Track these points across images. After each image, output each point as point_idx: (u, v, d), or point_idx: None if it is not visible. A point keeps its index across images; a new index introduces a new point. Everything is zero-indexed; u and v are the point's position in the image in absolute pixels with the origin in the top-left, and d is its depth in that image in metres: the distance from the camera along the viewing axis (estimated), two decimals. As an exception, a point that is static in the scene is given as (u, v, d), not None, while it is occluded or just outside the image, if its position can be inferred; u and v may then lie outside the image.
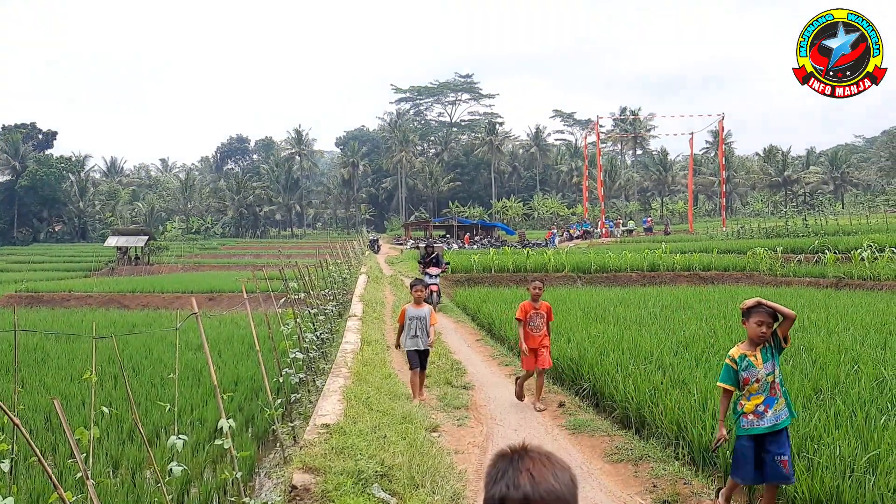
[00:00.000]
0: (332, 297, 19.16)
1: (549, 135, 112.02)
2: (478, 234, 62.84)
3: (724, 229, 56.62)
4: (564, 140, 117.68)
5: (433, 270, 19.43)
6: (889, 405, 6.42)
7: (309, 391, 10.89)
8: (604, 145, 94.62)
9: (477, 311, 17.93)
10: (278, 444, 8.34)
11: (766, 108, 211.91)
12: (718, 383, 5.06)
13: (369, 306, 17.68)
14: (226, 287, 31.07)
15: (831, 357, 8.66)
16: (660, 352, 9.59)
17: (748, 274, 26.02)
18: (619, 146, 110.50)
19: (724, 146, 78.54)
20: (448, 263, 22.38)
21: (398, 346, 9.60)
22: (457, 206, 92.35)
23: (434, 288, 18.74)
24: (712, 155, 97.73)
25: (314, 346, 12.71)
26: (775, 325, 5.00)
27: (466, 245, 55.46)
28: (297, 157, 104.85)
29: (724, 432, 5.04)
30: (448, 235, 62.56)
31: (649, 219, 72.55)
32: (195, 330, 19.53)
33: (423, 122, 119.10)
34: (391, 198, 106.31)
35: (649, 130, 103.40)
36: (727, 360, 5.01)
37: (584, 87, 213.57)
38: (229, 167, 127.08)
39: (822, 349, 9.22)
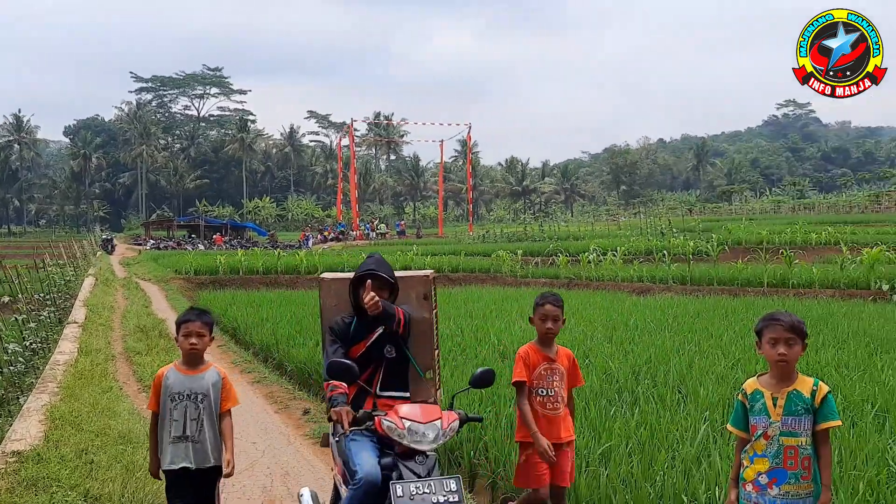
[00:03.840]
0: (50, 302, 16.91)
1: (303, 136, 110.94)
2: (227, 234, 60.17)
3: (471, 234, 59.65)
4: (319, 142, 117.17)
5: (413, 424, 3.63)
6: (616, 396, 6.76)
7: (10, 412, 9.31)
8: (358, 149, 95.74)
9: (222, 316, 16.83)
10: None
11: (510, 120, 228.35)
12: (728, 426, 3.54)
13: (94, 312, 15.83)
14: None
15: (565, 352, 9.08)
16: (406, 352, 9.44)
17: (492, 275, 27.38)
18: (374, 150, 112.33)
19: (471, 155, 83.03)
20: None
21: (155, 472, 4.24)
22: (205, 206, 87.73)
23: None
24: (461, 163, 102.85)
25: (20, 358, 10.95)
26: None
27: (218, 245, 52.79)
28: (17, 146, 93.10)
29: (734, 497, 3.37)
30: (194, 235, 59.15)
31: (402, 222, 74.37)
32: None
33: (167, 114, 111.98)
34: (130, 194, 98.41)
35: (402, 136, 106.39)
36: (738, 395, 3.42)
37: (340, 90, 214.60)
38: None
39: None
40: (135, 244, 56.54)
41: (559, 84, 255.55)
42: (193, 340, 4.08)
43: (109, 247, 48.78)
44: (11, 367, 10.28)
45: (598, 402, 6.43)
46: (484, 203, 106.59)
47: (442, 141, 73.76)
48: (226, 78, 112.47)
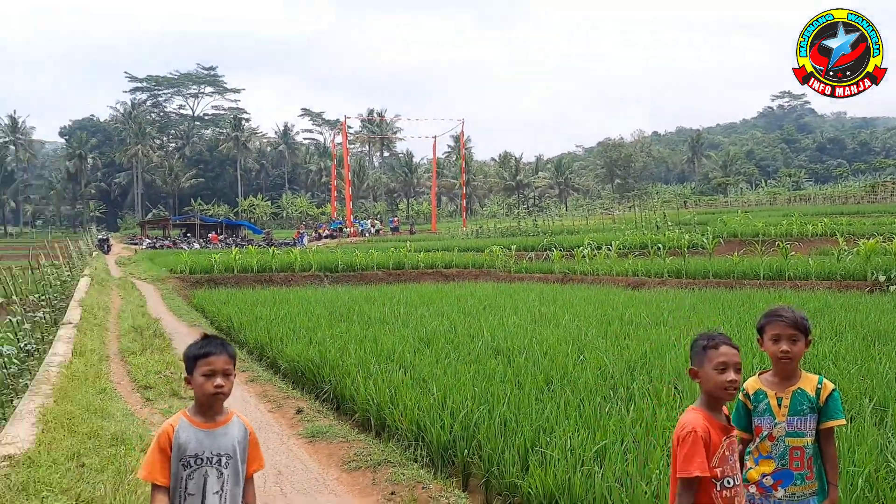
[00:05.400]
0: (45, 303, 16.83)
1: (297, 133, 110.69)
2: (222, 232, 60.08)
3: (465, 229, 59.61)
4: (313, 139, 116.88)
5: None
6: (612, 392, 6.74)
7: (4, 415, 9.25)
8: (352, 146, 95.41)
9: (216, 314, 16.79)
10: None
11: (501, 116, 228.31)
12: None
13: (89, 312, 15.75)
14: None
15: (560, 348, 9.05)
16: (402, 350, 9.42)
17: (486, 271, 27.36)
18: (367, 147, 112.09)
19: (464, 150, 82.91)
20: None
21: None
22: (200, 204, 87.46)
23: None
24: (454, 159, 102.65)
25: (15, 361, 10.89)
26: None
27: (214, 243, 52.72)
28: (12, 147, 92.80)
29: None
30: (189, 234, 58.98)
31: (395, 218, 74.37)
32: None
33: (162, 114, 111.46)
34: (126, 194, 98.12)
35: (395, 133, 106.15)
36: (739, 395, 3.21)
37: (333, 87, 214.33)
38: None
39: (552, 341, 9.63)
40: (131, 244, 56.35)
41: (552, 78, 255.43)
42: (219, 381, 2.93)
43: (105, 247, 48.59)
44: (5, 370, 10.22)
45: (593, 399, 6.39)
46: (478, 198, 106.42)
47: (435, 137, 73.80)
48: (220, 77, 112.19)
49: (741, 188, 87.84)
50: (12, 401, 9.57)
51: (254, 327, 13.14)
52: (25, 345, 12.24)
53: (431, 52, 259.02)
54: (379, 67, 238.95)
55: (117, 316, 16.53)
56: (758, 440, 3.19)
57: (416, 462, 6.08)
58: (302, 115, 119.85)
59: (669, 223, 41.33)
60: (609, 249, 25.98)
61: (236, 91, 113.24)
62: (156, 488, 2.89)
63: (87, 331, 13.43)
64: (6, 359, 10.46)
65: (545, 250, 30.68)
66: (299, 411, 8.15)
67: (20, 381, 10.65)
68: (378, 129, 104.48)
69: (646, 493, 4.32)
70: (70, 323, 13.72)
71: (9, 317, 12.53)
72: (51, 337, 14.19)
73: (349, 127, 74.09)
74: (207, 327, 15.93)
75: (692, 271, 21.06)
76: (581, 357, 8.51)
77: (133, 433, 6.99)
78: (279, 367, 10.60)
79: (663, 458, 4.70)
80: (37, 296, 16.83)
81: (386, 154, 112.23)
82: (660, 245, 24.90)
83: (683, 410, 5.94)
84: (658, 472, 4.51)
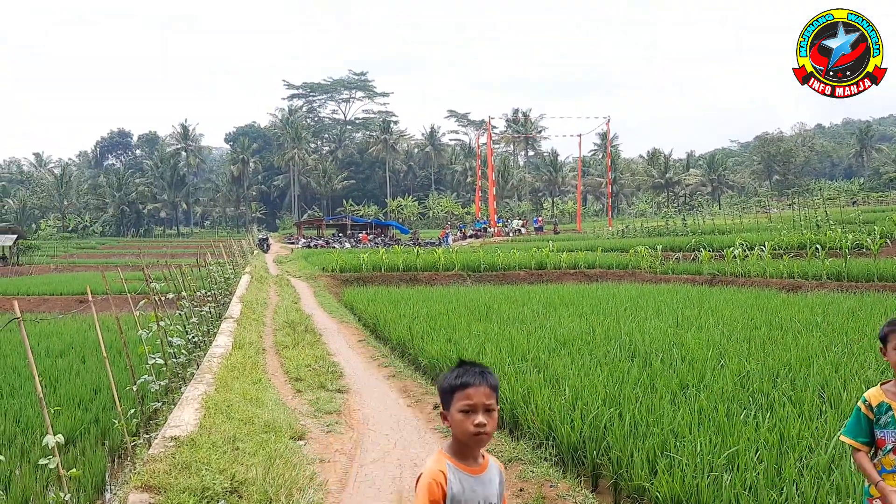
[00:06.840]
0: (211, 298, 18.28)
1: (443, 134, 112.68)
2: (372, 232, 62.43)
3: (610, 228, 58.48)
4: (459, 140, 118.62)
5: None
6: (750, 399, 6.50)
7: (174, 400, 10.22)
8: (497, 146, 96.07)
9: (363, 312, 17.57)
10: (129, 460, 7.70)
11: (650, 112, 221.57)
12: (841, 436, 3.28)
13: (249, 307, 16.97)
14: (99, 288, 29.22)
15: (700, 353, 8.79)
16: (537, 350, 9.50)
17: (630, 272, 26.77)
18: (512, 147, 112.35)
19: (610, 148, 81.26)
20: None
21: None
22: (351, 205, 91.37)
23: None
24: (600, 157, 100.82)
25: (183, 351, 11.97)
26: None
27: (364, 243, 55.02)
28: (184, 153, 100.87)
29: (885, 486, 3.07)
30: (341, 234, 61.75)
31: (540, 218, 74.14)
32: (59, 334, 18.19)
33: (316, 119, 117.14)
34: (283, 196, 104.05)
35: (540, 132, 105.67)
36: (859, 404, 3.17)
37: (478, 87, 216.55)
38: (110, 163, 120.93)
39: (692, 345, 9.37)
40: (288, 243, 59.79)
41: (703, 69, 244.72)
42: (480, 419, 2.45)
43: (265, 246, 51.82)
44: (175, 360, 11.26)
45: (729, 405, 6.20)
46: (625, 197, 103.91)
47: (580, 135, 72.86)
48: (370, 82, 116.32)
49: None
50: (180, 388, 10.55)
51: (397, 325, 13.63)
52: (193, 337, 13.40)
53: (575, 48, 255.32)
54: (523, 66, 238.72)
55: (273, 311, 17.69)
56: (881, 454, 3.06)
57: (545, 461, 6.16)
58: (448, 116, 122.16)
59: (831, 222, 38.56)
60: (762, 250, 24.68)
61: (385, 95, 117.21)
62: None
63: (247, 325, 14.49)
64: (176, 349, 11.52)
65: (693, 251, 29.59)
66: (436, 407, 8.44)
67: (188, 370, 11.70)
68: (523, 128, 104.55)
69: (775, 502, 4.19)
70: (231, 317, 14.84)
71: (178, 311, 13.72)
72: (215, 330, 15.42)
73: (494, 127, 74.75)
74: (355, 324, 16.72)
75: (854, 274, 19.59)
76: (721, 363, 8.23)
77: (283, 421, 7.55)
78: (419, 364, 10.96)
79: (797, 468, 4.53)
80: (203, 291, 18.28)
81: (531, 153, 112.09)
82: (818, 245, 23.33)
83: (824, 420, 5.68)
84: (790, 481, 4.35)
